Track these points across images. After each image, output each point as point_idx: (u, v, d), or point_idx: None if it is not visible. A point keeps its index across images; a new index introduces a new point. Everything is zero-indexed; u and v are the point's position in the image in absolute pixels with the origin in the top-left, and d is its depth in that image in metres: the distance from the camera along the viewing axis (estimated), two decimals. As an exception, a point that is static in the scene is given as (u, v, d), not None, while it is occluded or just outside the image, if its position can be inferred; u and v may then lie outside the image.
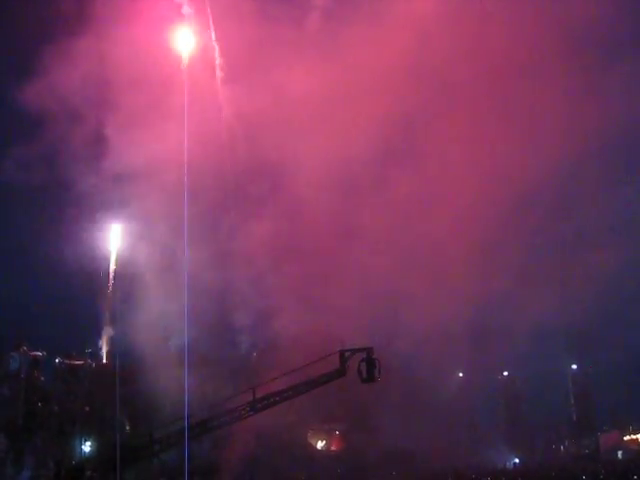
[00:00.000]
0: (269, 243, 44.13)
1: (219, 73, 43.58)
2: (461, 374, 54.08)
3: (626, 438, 53.32)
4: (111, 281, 42.19)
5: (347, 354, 29.35)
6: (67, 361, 42.86)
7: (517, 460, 49.66)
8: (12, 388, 39.58)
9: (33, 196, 41.54)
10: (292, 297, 45.16)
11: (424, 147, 46.49)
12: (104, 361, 44.82)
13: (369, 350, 28.54)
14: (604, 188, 45.64)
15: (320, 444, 51.24)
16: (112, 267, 42.30)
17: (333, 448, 51.05)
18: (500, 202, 43.60)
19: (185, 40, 42.37)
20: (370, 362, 28.23)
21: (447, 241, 44.78)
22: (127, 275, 42.38)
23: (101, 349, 44.64)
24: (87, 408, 42.93)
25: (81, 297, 40.91)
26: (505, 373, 56.01)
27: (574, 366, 55.63)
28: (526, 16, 42.99)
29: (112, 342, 44.06)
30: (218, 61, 43.79)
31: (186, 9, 41.71)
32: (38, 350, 40.57)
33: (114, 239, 42.79)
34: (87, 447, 41.43)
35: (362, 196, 45.89)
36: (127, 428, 41.61)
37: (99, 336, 43.94)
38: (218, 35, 43.47)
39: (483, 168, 44.03)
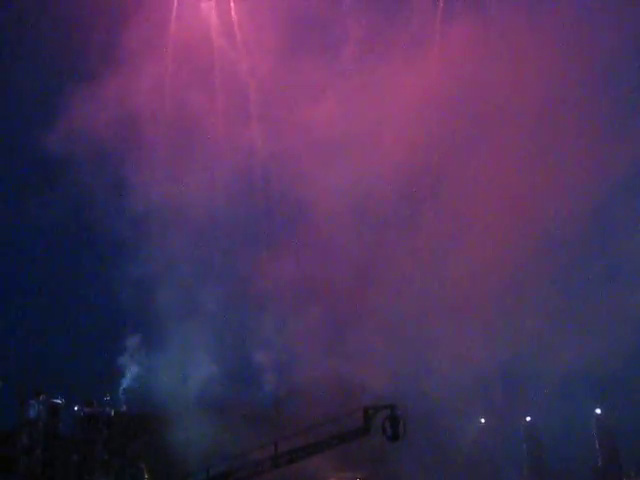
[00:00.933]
0: (292, 286, 44.12)
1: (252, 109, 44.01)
2: (483, 420, 53.45)
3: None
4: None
5: (371, 411, 29.20)
6: (86, 408, 42.57)
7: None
8: (31, 436, 39.30)
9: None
10: (314, 341, 45.01)
11: (451, 187, 46.46)
12: (123, 408, 44.64)
13: (392, 407, 28.35)
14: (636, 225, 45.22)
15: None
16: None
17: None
18: (529, 242, 43.42)
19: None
20: (394, 419, 28.02)
21: (474, 283, 44.56)
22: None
23: (120, 397, 44.48)
24: (106, 456, 42.67)
25: (100, 345, 40.86)
26: (528, 418, 55.22)
27: (598, 410, 54.68)
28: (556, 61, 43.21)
29: (131, 390, 43.95)
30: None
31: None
32: (57, 398, 40.24)
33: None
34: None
35: (388, 239, 45.77)
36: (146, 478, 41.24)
37: (118, 384, 43.77)
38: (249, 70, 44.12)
39: (513, 207, 43.81)
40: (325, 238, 47.18)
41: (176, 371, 41.08)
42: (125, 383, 43.36)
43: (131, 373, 42.05)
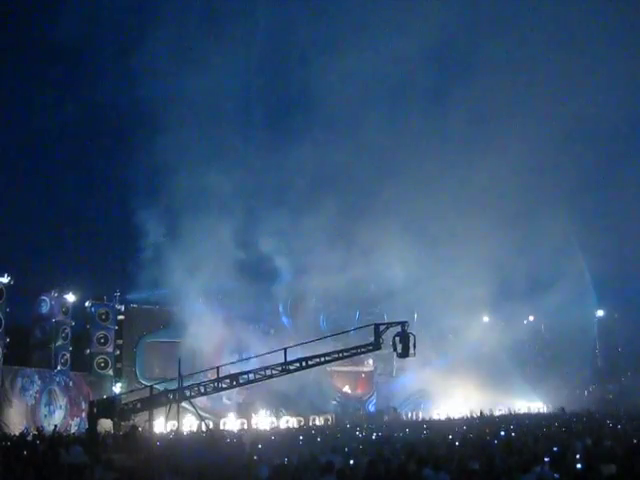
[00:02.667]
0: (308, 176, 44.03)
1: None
2: (486, 318, 54.35)
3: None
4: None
5: (382, 327, 29.24)
6: (97, 304, 43.06)
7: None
8: (44, 331, 39.86)
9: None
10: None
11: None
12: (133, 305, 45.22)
13: (403, 324, 28.32)
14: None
15: None
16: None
17: None
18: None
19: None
20: (405, 336, 28.02)
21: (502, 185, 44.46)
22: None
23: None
24: (118, 352, 43.66)
25: (113, 242, 40.62)
26: (531, 318, 56.12)
27: (600, 312, 55.47)
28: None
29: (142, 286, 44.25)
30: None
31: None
32: (68, 294, 40.48)
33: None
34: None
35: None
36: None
37: (130, 280, 43.98)
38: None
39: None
40: (344, 126, 46.31)
41: (188, 263, 40.81)
42: (136, 278, 43.27)
43: (142, 267, 41.80)
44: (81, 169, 40.93)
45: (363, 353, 34.21)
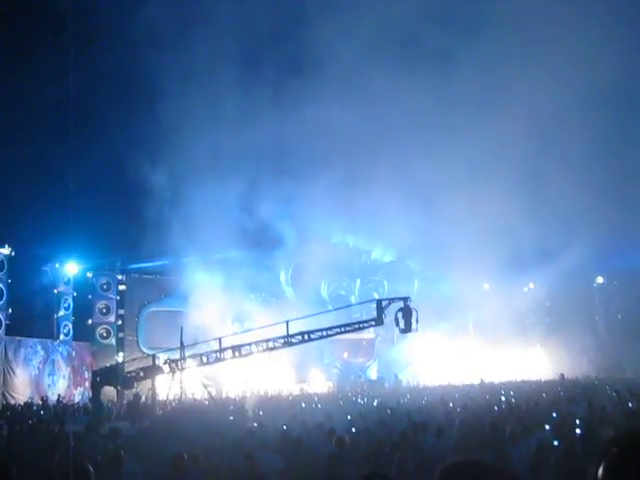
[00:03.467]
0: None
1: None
2: (487, 285, 54.42)
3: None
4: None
5: (384, 303, 29.38)
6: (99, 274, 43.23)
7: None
8: (46, 302, 40.06)
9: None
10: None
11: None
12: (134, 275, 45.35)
13: (406, 299, 28.44)
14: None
15: None
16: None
17: None
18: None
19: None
20: (407, 312, 28.12)
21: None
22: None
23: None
24: (120, 321, 43.91)
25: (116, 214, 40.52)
26: (531, 285, 56.21)
27: (600, 279, 55.56)
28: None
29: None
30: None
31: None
32: (70, 265, 40.60)
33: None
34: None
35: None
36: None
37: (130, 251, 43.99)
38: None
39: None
40: (348, 87, 45.84)
41: (188, 232, 40.77)
42: (137, 248, 43.29)
43: (142, 237, 41.77)
44: (81, 137, 40.36)
45: (365, 328, 34.46)
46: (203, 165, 42.24)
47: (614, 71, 41.76)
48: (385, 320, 29.95)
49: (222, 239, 42.04)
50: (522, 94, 44.23)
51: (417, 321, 28.35)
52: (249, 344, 32.07)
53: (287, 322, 30.66)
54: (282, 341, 30.66)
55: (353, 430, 14.02)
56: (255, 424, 15.92)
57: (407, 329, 28.57)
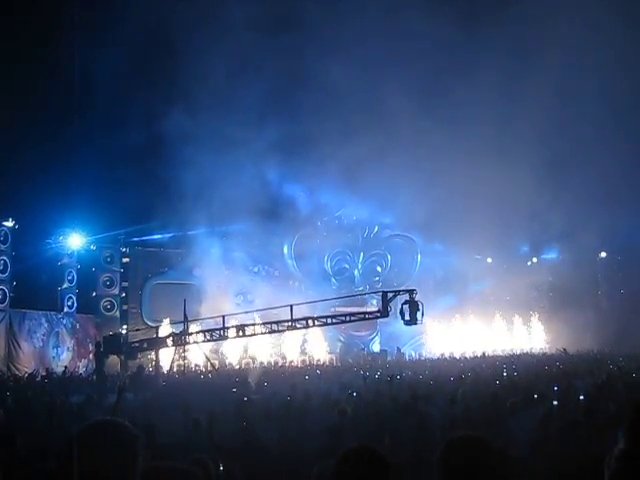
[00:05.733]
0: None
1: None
2: (490, 259, 54.43)
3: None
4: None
5: (390, 295, 29.39)
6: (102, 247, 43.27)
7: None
8: (50, 274, 40.11)
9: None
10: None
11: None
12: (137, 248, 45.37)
13: (411, 292, 28.38)
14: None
15: None
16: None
17: None
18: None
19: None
20: (413, 304, 28.13)
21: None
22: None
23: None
24: (123, 294, 44.02)
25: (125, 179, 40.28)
26: (534, 259, 56.24)
27: (603, 254, 55.54)
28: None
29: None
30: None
31: None
32: (74, 237, 40.59)
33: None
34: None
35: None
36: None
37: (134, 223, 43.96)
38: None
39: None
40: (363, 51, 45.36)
41: (191, 203, 40.69)
42: (140, 220, 43.26)
43: (146, 209, 41.74)
44: (84, 106, 40.17)
45: (370, 319, 34.74)
46: (209, 136, 42.03)
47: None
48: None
49: (226, 211, 41.92)
50: (544, 67, 43.72)
51: (423, 314, 28.49)
52: (253, 324, 32.33)
53: (291, 306, 30.75)
54: (286, 325, 30.84)
55: (354, 400, 14.04)
56: (257, 395, 15.99)
57: (412, 322, 28.67)
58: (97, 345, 33.87)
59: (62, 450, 3.38)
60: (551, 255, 56.19)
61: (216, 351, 38.78)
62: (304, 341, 43.59)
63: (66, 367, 33.62)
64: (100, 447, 3.01)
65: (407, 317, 28.11)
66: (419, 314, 27.92)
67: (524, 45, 45.11)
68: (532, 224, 48.47)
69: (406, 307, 28.07)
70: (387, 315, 30.13)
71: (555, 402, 11.91)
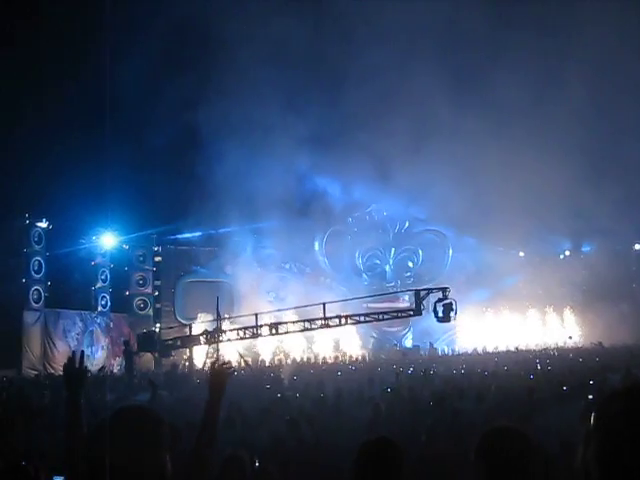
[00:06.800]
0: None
1: None
2: (522, 253, 53.98)
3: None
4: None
5: (423, 293, 29.33)
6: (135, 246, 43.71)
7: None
8: (83, 274, 40.59)
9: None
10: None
11: None
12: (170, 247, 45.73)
13: (444, 290, 28.30)
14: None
15: None
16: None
17: None
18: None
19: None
20: (446, 303, 28.07)
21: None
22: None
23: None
24: (156, 292, 44.44)
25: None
26: (567, 253, 55.65)
27: (637, 246, 54.77)
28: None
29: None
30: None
31: None
32: (107, 237, 41.04)
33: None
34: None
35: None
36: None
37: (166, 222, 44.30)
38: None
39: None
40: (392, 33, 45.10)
41: (223, 202, 40.83)
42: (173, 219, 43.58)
43: (178, 209, 42.04)
44: (115, 107, 40.41)
45: (403, 317, 34.71)
46: (240, 132, 42.17)
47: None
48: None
49: (257, 208, 42.10)
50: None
51: (456, 312, 28.37)
52: (286, 322, 32.49)
53: (324, 304, 30.81)
54: (319, 323, 30.94)
55: (388, 397, 14.05)
56: (290, 392, 16.07)
57: (445, 319, 28.72)
58: (125, 343, 34.22)
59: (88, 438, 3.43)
60: (585, 248, 55.42)
61: (249, 348, 38.93)
62: (337, 337, 43.46)
63: (104, 366, 34.02)
64: (121, 431, 3.05)
65: (440, 315, 28.12)
66: (452, 312, 27.87)
67: (567, 26, 44.35)
68: (565, 216, 47.65)
69: (439, 305, 28.04)
70: (420, 314, 30.13)
71: (590, 397, 11.77)
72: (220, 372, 4.03)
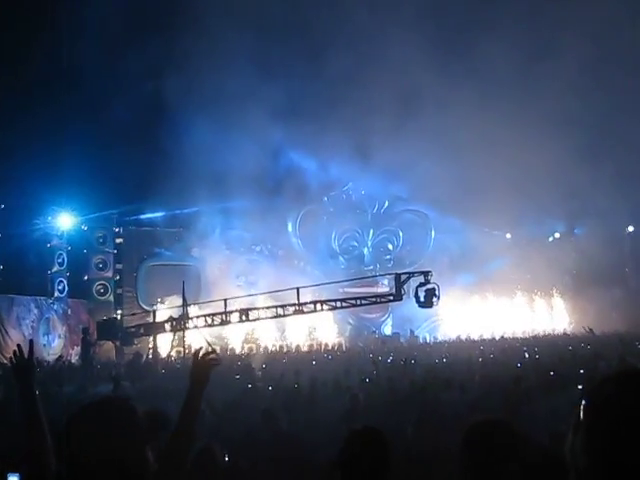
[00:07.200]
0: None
1: None
2: (509, 235, 54.38)
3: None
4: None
5: (403, 277, 29.39)
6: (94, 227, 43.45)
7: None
8: (39, 257, 40.29)
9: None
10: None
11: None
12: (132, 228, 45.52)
13: (427, 274, 28.36)
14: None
15: None
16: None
17: None
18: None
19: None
20: (428, 287, 28.17)
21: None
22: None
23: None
24: (117, 277, 44.28)
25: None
26: (557, 235, 56.11)
27: (630, 228, 55.28)
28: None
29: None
30: None
31: None
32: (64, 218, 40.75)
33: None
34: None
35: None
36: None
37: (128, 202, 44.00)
38: None
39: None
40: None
41: (189, 179, 40.55)
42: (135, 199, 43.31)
43: (141, 187, 41.77)
44: (72, 80, 40.03)
45: (383, 303, 34.79)
46: (207, 105, 41.83)
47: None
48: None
49: (226, 186, 41.84)
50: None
51: (439, 297, 28.47)
52: (257, 309, 32.43)
53: (298, 289, 30.79)
54: (293, 309, 30.91)
55: (367, 387, 14.14)
56: (262, 382, 16.12)
57: (427, 305, 28.83)
58: (84, 331, 34.07)
59: (58, 436, 3.44)
60: (575, 230, 55.90)
61: (217, 336, 38.90)
62: (311, 324, 43.54)
63: (61, 356, 33.81)
64: (94, 425, 3.06)
65: (422, 300, 28.19)
66: (434, 297, 27.97)
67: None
68: (556, 196, 47.92)
69: (421, 290, 28.12)
70: (401, 299, 30.15)
71: (580, 387, 11.91)
72: (204, 362, 4.02)
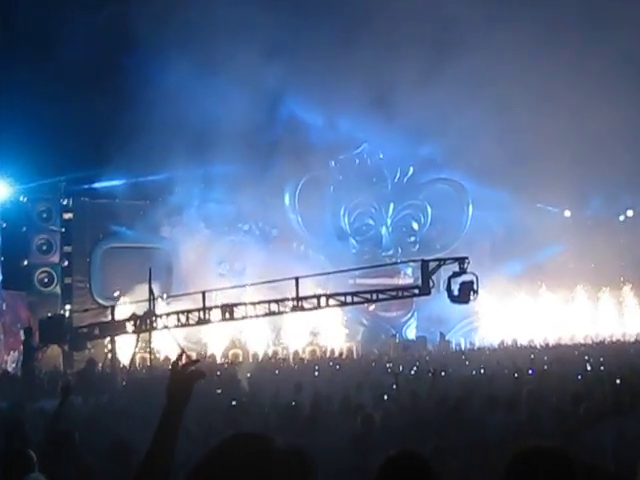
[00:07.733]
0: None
1: None
2: (568, 213, 54.49)
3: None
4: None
5: (432, 265, 28.99)
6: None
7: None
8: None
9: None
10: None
11: None
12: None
13: (462, 261, 27.92)
14: None
15: None
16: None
17: None
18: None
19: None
20: (465, 280, 27.72)
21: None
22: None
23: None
24: (66, 262, 44.47)
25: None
26: (630, 213, 56.23)
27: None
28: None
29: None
30: None
31: None
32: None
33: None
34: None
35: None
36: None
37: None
38: None
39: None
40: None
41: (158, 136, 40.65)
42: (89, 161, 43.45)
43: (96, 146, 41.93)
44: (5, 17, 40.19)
45: (405, 298, 34.22)
46: (180, 41, 41.83)
47: None
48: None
49: (205, 147, 41.92)
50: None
51: (477, 290, 27.71)
52: (245, 304, 32.30)
53: (297, 279, 30.59)
54: (291, 305, 30.72)
55: (384, 405, 14.21)
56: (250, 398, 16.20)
57: (462, 299, 28.06)
58: (26, 331, 34.19)
59: None
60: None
61: (193, 338, 39.04)
62: (314, 325, 43.66)
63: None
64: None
65: (456, 294, 27.81)
66: (472, 292, 27.61)
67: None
68: (628, 166, 47.96)
69: (454, 281, 27.75)
70: (429, 293, 29.61)
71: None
72: (185, 375, 3.96)
